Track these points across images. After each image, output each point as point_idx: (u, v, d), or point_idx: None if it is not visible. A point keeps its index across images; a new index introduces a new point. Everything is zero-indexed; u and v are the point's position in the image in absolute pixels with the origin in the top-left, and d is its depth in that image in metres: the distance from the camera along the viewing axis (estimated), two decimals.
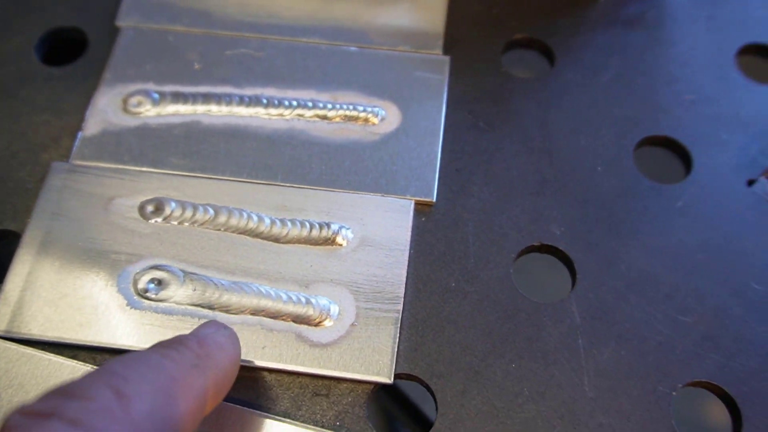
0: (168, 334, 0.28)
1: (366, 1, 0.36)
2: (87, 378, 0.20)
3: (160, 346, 0.23)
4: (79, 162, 0.32)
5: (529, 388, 0.28)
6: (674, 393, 0.28)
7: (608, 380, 0.28)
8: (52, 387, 0.20)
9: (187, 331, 0.28)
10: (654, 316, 0.29)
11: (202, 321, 0.28)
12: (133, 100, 0.33)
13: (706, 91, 0.34)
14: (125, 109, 0.33)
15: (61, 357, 0.28)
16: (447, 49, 0.35)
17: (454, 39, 0.35)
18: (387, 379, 0.27)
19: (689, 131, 0.33)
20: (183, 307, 0.29)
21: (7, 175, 0.32)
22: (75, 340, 0.28)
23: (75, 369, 0.27)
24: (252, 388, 0.28)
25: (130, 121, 0.33)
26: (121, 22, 0.35)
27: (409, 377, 0.28)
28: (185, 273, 0.29)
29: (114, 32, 0.35)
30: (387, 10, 0.36)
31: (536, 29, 0.36)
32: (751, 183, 0.32)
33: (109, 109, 0.33)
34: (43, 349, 0.28)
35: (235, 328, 0.28)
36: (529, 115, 0.34)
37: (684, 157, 0.33)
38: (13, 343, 0.28)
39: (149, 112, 0.33)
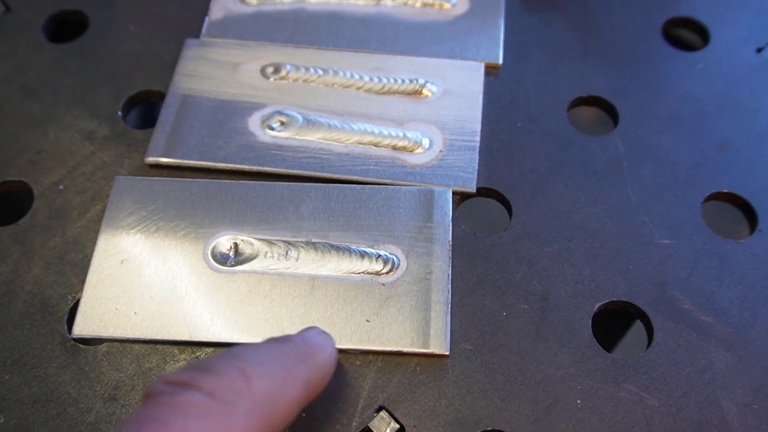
0: (287, 158, 0.35)
1: None
2: (217, 358, 0.23)
3: (274, 340, 0.26)
4: (208, 39, 0.39)
5: (584, 196, 0.34)
6: (702, 203, 0.34)
7: (648, 191, 0.35)
8: (189, 363, 0.23)
9: (302, 159, 0.35)
10: (682, 145, 0.36)
11: (317, 151, 0.35)
12: None
13: None
14: (242, 0, 0.40)
15: (206, 179, 0.35)
16: None
17: None
18: (472, 189, 0.34)
19: (706, 12, 0.40)
20: (301, 139, 0.35)
21: (148, 52, 0.39)
22: (215, 165, 0.35)
23: (207, 185, 0.34)
24: None
25: (246, 9, 0.40)
26: None
27: (488, 190, 0.35)
28: (303, 116, 0.36)
29: None
30: None
31: None
32: (759, 50, 0.39)
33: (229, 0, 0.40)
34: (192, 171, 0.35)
35: (346, 155, 0.35)
36: (572, 1, 0.41)
37: (702, 33, 0.40)
38: (144, 179, 0.35)
39: (263, 1, 0.40)
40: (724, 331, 0.31)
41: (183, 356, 0.31)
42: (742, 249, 0.33)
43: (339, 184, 0.34)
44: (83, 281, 0.32)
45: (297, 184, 0.34)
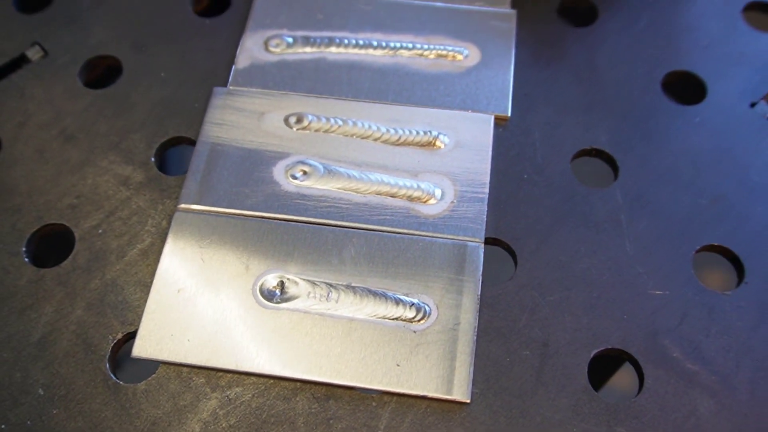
0: (309, 207, 0.37)
1: None
2: None
3: None
4: (234, 87, 0.41)
5: (584, 248, 0.37)
6: (694, 254, 0.37)
7: (644, 243, 0.37)
8: None
9: (324, 208, 0.37)
10: (678, 198, 0.38)
11: (337, 200, 0.38)
12: (273, 42, 0.43)
13: (717, 37, 0.44)
14: (267, 49, 0.43)
15: (236, 218, 0.37)
16: (514, 5, 0.44)
17: None
18: (479, 240, 0.37)
19: (704, 67, 0.43)
20: (323, 189, 0.38)
21: (178, 99, 0.42)
22: (242, 212, 0.38)
23: (260, 224, 0.37)
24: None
25: (271, 58, 0.42)
26: None
27: (495, 240, 0.38)
28: (324, 166, 0.39)
29: None
30: None
31: None
32: (753, 105, 0.41)
33: (255, 48, 0.43)
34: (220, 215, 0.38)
35: (364, 205, 0.37)
36: (579, 56, 0.43)
37: (700, 87, 0.42)
38: (202, 214, 0.37)
39: (286, 51, 0.43)
40: (709, 379, 0.34)
41: (215, 394, 0.34)
42: (728, 301, 0.36)
43: (380, 233, 0.37)
44: (122, 322, 0.35)
45: (341, 229, 0.37)
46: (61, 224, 0.38)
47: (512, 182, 0.39)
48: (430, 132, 0.40)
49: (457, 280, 0.36)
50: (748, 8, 0.45)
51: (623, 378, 0.46)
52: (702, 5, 0.45)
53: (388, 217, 0.37)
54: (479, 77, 0.42)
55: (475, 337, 0.34)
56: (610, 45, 0.43)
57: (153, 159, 0.40)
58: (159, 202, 0.39)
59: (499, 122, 0.41)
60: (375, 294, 0.35)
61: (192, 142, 0.40)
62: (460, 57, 0.42)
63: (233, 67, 0.42)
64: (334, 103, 0.41)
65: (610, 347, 0.35)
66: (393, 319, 0.35)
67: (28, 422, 0.33)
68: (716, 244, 0.37)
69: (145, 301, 0.35)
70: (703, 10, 0.45)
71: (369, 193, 0.38)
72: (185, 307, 0.35)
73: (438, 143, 0.39)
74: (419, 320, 0.35)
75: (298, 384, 0.34)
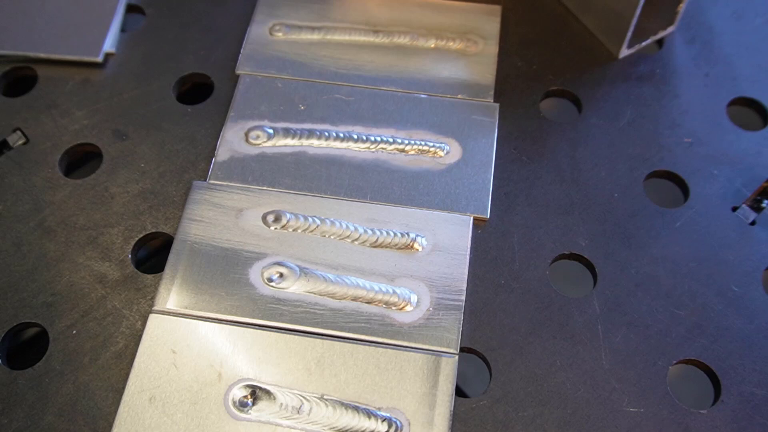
0: (285, 312, 0.37)
1: (432, 58, 0.46)
2: None
3: None
4: (213, 181, 0.41)
5: (560, 360, 0.37)
6: (670, 367, 0.37)
7: (620, 356, 0.37)
8: None
9: (299, 314, 0.37)
10: (656, 309, 0.38)
11: (312, 305, 0.37)
12: (253, 133, 0.43)
13: (701, 134, 0.43)
14: (247, 141, 0.42)
15: (208, 322, 0.37)
16: (496, 98, 0.44)
17: (502, 89, 0.45)
18: (454, 351, 0.36)
19: (687, 167, 0.42)
20: (298, 293, 0.38)
21: (157, 191, 0.42)
22: (217, 316, 0.37)
23: (232, 332, 0.37)
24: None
25: (251, 150, 0.42)
26: (240, 70, 0.45)
27: (470, 350, 0.37)
28: (300, 268, 0.39)
29: (234, 78, 0.45)
30: (449, 66, 0.45)
31: (567, 82, 0.45)
32: (735, 209, 0.41)
33: (235, 140, 0.43)
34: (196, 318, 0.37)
35: (340, 311, 0.37)
36: (561, 152, 0.43)
37: (682, 187, 0.42)
38: (176, 316, 0.37)
39: (266, 143, 0.42)
40: None
41: None
42: (704, 420, 0.35)
43: (355, 343, 0.37)
44: (93, 430, 0.35)
45: (316, 339, 0.37)
46: (36, 323, 0.38)
47: (489, 288, 0.39)
48: (408, 234, 0.39)
49: (431, 394, 0.35)
50: (732, 103, 0.45)
51: None
52: (686, 100, 0.45)
53: (363, 324, 0.37)
54: (460, 175, 0.41)
55: None
56: (593, 141, 0.43)
57: (130, 256, 0.40)
58: (134, 302, 0.38)
59: (478, 223, 0.40)
60: (347, 407, 0.35)
61: (170, 238, 0.40)
62: (441, 153, 0.42)
63: (213, 159, 0.42)
64: (313, 201, 0.41)
65: None
66: None
67: None
68: (693, 358, 0.37)
69: (116, 408, 0.35)
70: (687, 105, 0.44)
71: (345, 299, 0.38)
72: (156, 416, 0.35)
73: (416, 246, 0.39)
74: None
75: None
